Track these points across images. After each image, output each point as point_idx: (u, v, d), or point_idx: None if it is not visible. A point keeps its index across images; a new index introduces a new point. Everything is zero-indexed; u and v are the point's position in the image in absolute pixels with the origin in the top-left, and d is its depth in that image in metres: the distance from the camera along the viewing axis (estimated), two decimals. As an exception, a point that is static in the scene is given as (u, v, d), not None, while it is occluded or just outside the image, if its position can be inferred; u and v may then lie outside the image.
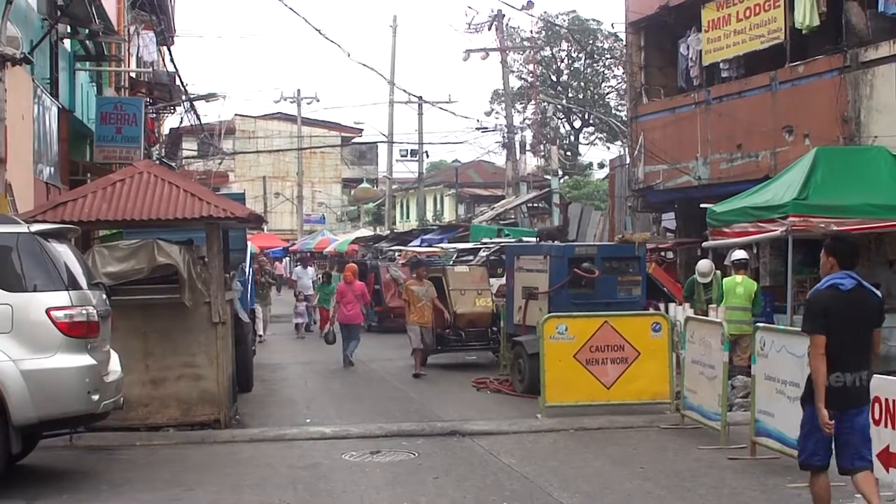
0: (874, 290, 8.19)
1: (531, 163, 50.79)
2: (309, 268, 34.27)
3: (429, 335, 19.63)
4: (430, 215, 62.04)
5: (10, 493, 9.82)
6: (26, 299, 10.11)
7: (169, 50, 29.50)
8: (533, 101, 58.34)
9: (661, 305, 18.71)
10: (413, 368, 19.41)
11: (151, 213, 13.16)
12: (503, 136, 44.04)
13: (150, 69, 28.82)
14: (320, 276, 30.83)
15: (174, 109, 32.22)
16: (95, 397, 10.34)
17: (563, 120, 65.72)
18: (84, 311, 10.28)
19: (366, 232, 57.25)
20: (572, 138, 66.79)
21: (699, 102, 25.30)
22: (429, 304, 19.60)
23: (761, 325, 12.33)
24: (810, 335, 7.93)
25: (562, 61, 66.22)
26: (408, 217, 71.78)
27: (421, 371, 19.30)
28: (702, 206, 19.96)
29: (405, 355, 22.41)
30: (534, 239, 26.25)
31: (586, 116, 64.43)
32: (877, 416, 8.92)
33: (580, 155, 67.32)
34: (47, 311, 10.09)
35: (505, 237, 30.20)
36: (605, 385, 14.25)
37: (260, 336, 25.87)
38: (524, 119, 58.60)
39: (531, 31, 59.31)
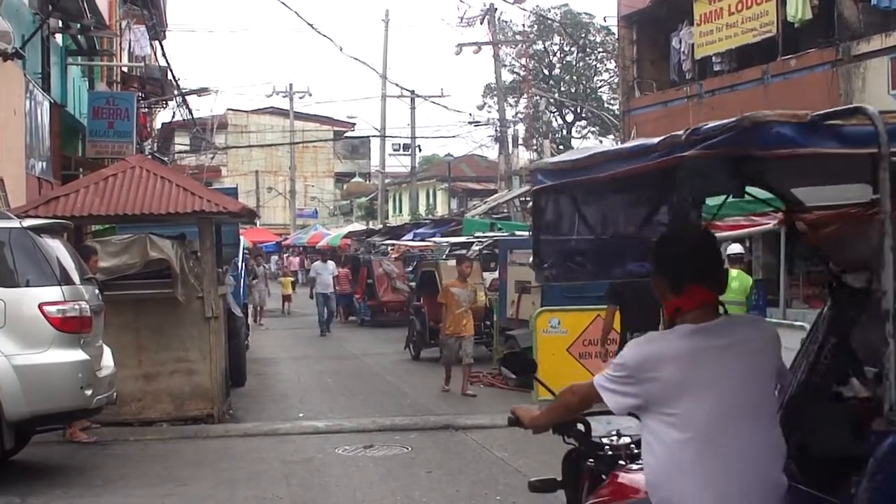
0: None
1: (524, 157, 50.74)
2: (329, 262, 31.15)
3: (469, 345, 16.30)
4: (422, 209, 61.96)
5: (2, 489, 9.81)
6: (19, 294, 10.10)
7: (161, 44, 29.39)
8: (525, 95, 58.31)
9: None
10: (444, 384, 16.66)
11: (144, 208, 13.16)
12: (496, 130, 44.04)
13: (142, 64, 28.81)
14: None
15: (166, 104, 32.17)
16: (88, 392, 10.33)
17: (556, 114, 65.65)
18: (77, 306, 10.27)
19: (358, 226, 57.28)
20: (565, 132, 66.76)
21: (691, 96, 25.32)
22: (469, 311, 16.54)
23: (754, 318, 12.37)
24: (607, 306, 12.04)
25: (554, 55, 66.17)
26: (400, 211, 71.74)
27: (469, 391, 16.15)
28: (694, 199, 19.97)
29: (398, 349, 22.47)
30: (527, 233, 26.25)
31: (579, 110, 64.43)
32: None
33: (573, 149, 67.34)
34: (40, 307, 10.09)
35: (498, 231, 30.21)
36: (598, 379, 14.26)
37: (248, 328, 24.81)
38: (516, 113, 58.60)
39: (523, 25, 59.26)
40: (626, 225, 5.15)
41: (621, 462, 4.71)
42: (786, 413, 4.56)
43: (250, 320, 27.06)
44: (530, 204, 6.13)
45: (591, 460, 4.85)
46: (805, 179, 4.42)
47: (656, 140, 3.84)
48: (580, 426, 4.84)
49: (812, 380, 4.57)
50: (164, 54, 28.77)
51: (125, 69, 27.79)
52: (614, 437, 4.87)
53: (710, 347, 3.88)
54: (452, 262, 22.26)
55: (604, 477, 4.72)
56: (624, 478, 4.52)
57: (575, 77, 65.82)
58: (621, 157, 4.16)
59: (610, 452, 4.81)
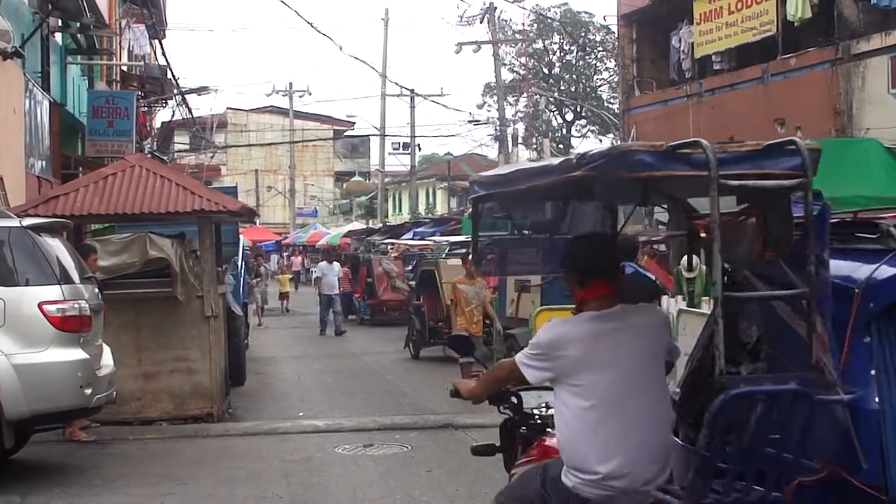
0: (648, 275, 11.37)
1: (523, 155, 50.76)
2: (334, 263, 29.98)
3: (479, 344, 15.95)
4: (422, 208, 61.99)
5: (2, 488, 9.80)
6: (18, 293, 10.09)
7: (160, 43, 29.42)
8: (525, 94, 58.34)
9: (653, 298, 18.71)
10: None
11: (143, 207, 13.15)
12: (495, 129, 44.01)
13: (142, 63, 28.79)
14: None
15: (166, 103, 32.19)
16: (88, 391, 10.33)
17: (555, 112, 65.68)
18: (76, 305, 10.26)
19: (358, 225, 57.28)
20: (564, 131, 66.77)
21: (691, 95, 25.34)
22: (480, 308, 16.38)
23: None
24: None
25: (554, 54, 66.18)
26: (400, 210, 71.74)
27: None
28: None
29: (398, 348, 22.45)
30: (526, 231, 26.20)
31: (578, 109, 64.43)
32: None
33: (572, 147, 67.30)
34: (39, 306, 10.08)
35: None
36: (597, 377, 14.24)
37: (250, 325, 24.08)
38: (516, 112, 58.70)
39: (523, 24, 59.29)
40: (547, 228, 6.15)
41: (549, 430, 5.34)
42: (687, 387, 5.44)
43: (253, 320, 26.99)
44: (469, 210, 7.14)
45: (523, 428, 5.65)
46: (689, 192, 5.24)
47: (557, 161, 4.70)
48: (514, 399, 5.62)
49: (706, 359, 5.16)
50: (163, 53, 28.79)
51: (125, 68, 27.79)
52: (543, 409, 5.60)
53: (609, 330, 4.71)
54: (452, 262, 22.29)
55: (534, 442, 5.47)
56: (549, 441, 5.22)
57: (575, 76, 65.83)
58: (534, 173, 4.96)
59: (539, 421, 5.57)
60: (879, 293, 4.62)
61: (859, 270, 4.75)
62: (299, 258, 57.09)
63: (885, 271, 4.67)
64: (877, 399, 4.51)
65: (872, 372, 4.55)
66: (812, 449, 4.47)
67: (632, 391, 4.66)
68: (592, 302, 4.82)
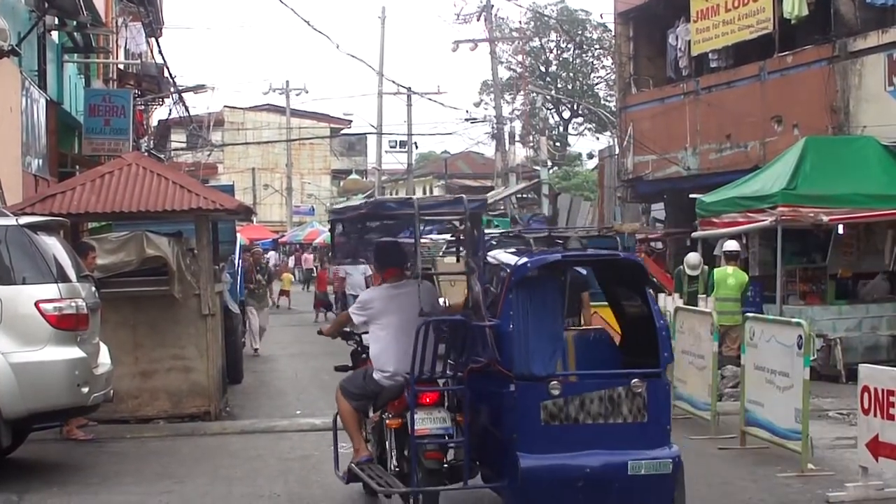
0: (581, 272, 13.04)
1: (520, 153, 50.77)
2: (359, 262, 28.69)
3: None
4: (419, 206, 61.65)
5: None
6: (15, 292, 10.08)
7: (157, 41, 29.31)
8: (522, 92, 58.34)
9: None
10: None
11: (140, 206, 13.12)
12: (492, 127, 44.04)
13: (139, 61, 28.73)
14: None
15: (163, 101, 32.09)
16: (85, 390, 10.32)
17: (552, 110, 65.71)
18: (73, 304, 10.25)
19: (355, 223, 56.96)
20: (561, 129, 66.80)
21: (688, 93, 25.33)
22: None
23: (750, 315, 12.35)
24: None
25: (550, 52, 66.25)
26: (397, 208, 71.41)
27: None
28: (691, 196, 19.99)
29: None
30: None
31: (575, 107, 64.43)
32: (866, 406, 8.97)
33: (569, 145, 67.36)
34: (36, 304, 10.06)
35: (494, 228, 30.09)
36: (594, 375, 14.30)
37: (255, 350, 22.46)
38: (513, 110, 58.67)
39: (520, 22, 59.35)
40: (371, 236, 9.59)
41: None
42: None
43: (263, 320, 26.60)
44: (329, 226, 11.37)
45: (364, 355, 9.18)
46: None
47: (360, 203, 8.40)
48: (357, 337, 9.32)
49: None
50: (160, 51, 28.70)
51: (121, 66, 27.76)
52: None
53: (396, 294, 8.63)
54: (448, 259, 22.19)
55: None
56: None
57: (571, 74, 65.90)
58: (350, 209, 9.37)
59: None
60: (517, 272, 8.03)
61: (512, 260, 8.36)
62: (311, 255, 56.52)
63: (520, 261, 8.21)
64: (511, 326, 7.80)
65: (511, 312, 7.84)
66: (481, 351, 7.92)
67: (406, 327, 8.14)
68: (388, 279, 8.83)
